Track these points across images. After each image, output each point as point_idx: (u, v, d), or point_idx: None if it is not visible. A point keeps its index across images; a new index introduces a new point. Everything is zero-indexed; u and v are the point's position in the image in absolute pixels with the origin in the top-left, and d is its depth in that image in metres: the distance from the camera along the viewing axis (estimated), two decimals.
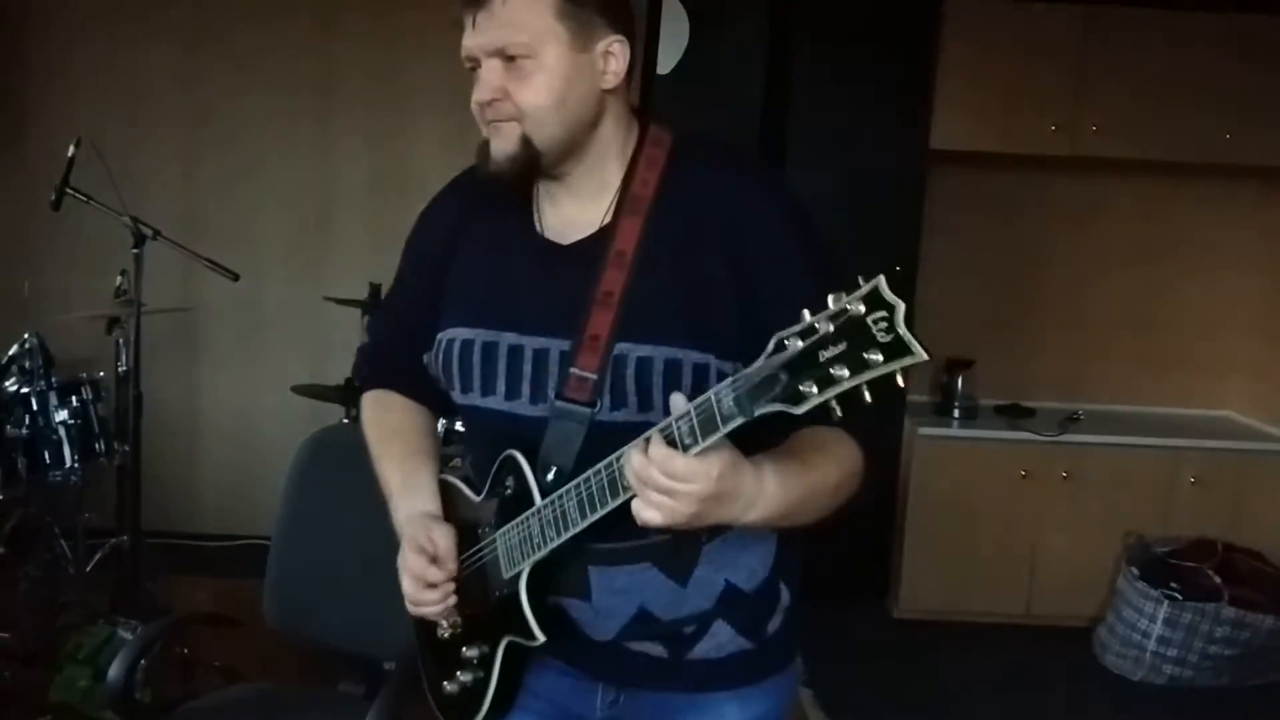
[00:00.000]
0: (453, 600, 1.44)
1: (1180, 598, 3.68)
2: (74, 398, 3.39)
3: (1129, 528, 3.99)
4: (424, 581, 1.43)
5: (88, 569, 3.47)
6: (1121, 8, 3.98)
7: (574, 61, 1.34)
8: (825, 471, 1.31)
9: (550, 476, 1.36)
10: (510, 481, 1.40)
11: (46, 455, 3.35)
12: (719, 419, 1.14)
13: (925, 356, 1.02)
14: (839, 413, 1.07)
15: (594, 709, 1.52)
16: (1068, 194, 4.40)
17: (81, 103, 4.31)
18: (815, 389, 1.07)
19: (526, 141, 1.35)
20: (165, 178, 4.39)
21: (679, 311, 1.32)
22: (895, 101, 3.97)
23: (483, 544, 1.45)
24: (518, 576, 1.38)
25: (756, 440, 1.25)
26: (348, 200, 4.51)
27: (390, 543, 1.62)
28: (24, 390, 3.33)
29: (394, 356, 1.63)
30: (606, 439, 1.28)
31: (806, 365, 1.07)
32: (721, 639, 1.46)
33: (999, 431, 4.10)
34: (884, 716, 3.44)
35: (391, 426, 1.61)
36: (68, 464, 3.37)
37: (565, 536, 1.32)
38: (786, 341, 1.09)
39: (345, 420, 3.66)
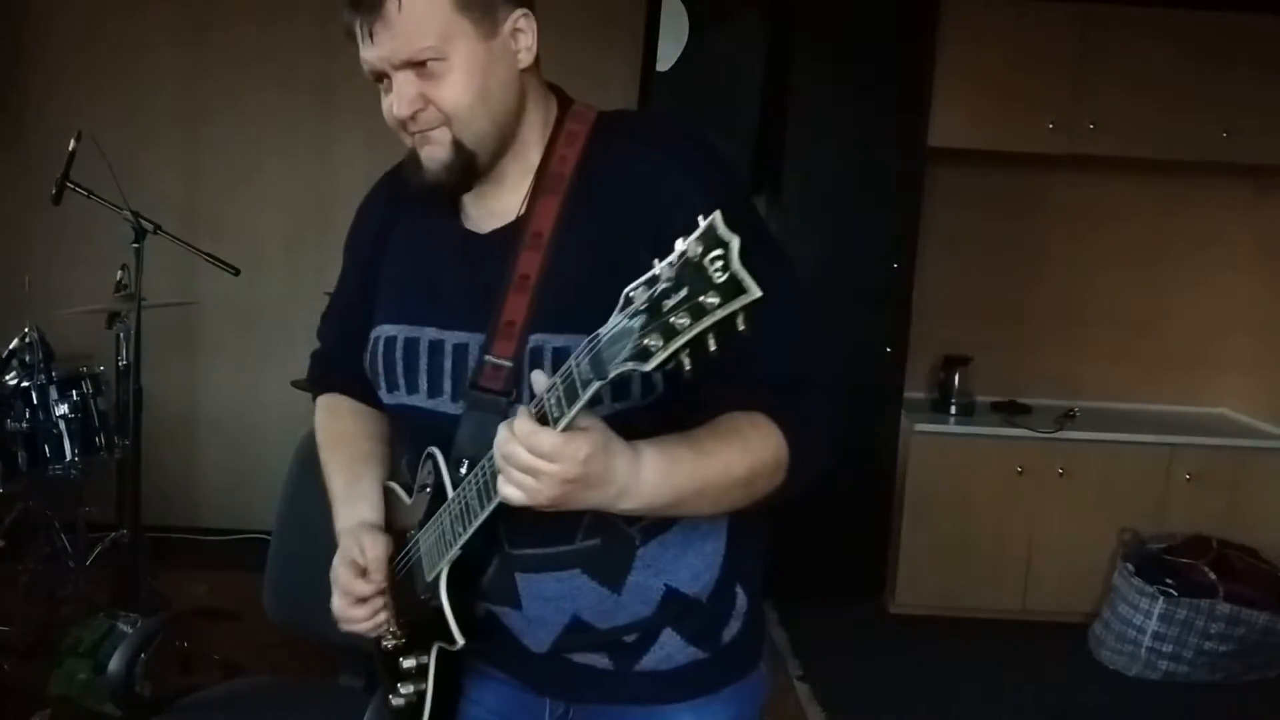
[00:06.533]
0: (381, 617, 1.39)
1: (1175, 594, 3.69)
2: (74, 392, 3.39)
3: (1125, 524, 3.99)
4: (352, 597, 1.37)
5: (88, 563, 3.47)
6: (1119, 6, 3.97)
7: (486, 50, 1.25)
8: (728, 461, 1.20)
9: (463, 470, 1.27)
10: (429, 479, 1.33)
11: (47, 449, 3.34)
12: (578, 386, 1.04)
13: (759, 293, 0.93)
14: (688, 366, 0.97)
15: None
16: (1065, 192, 4.41)
17: (82, 97, 4.30)
18: (661, 342, 0.97)
19: (458, 145, 1.27)
20: (166, 172, 4.38)
21: (596, 299, 1.09)
22: (894, 99, 3.96)
23: (409, 547, 1.38)
24: (438, 578, 1.30)
25: (672, 419, 1.21)
26: (347, 195, 4.47)
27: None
28: (24, 384, 3.32)
29: (338, 360, 1.57)
30: None
31: (653, 317, 0.97)
32: (670, 649, 1.37)
33: (995, 428, 4.10)
34: (880, 712, 3.44)
35: (338, 433, 1.55)
36: (68, 458, 3.36)
37: (470, 530, 1.24)
38: (633, 294, 1.00)
39: None
